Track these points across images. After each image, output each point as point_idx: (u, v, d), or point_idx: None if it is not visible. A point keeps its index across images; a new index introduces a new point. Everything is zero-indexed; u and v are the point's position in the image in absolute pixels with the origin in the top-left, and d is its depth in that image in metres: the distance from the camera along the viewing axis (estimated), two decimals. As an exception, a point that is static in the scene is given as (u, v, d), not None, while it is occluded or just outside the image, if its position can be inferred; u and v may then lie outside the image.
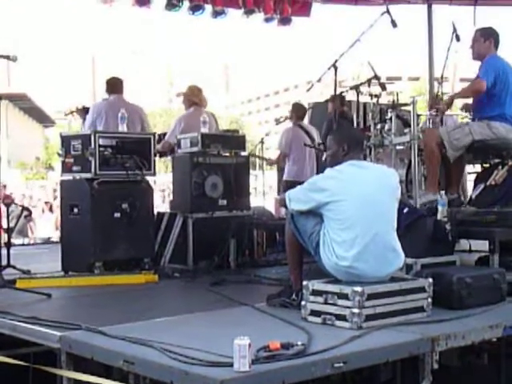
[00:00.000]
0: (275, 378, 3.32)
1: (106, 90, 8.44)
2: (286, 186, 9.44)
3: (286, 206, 4.87)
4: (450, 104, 6.79)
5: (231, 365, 3.24)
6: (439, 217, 5.53)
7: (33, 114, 45.21)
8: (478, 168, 7.52)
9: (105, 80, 8.57)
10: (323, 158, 8.75)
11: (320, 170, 9.26)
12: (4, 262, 6.02)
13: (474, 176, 7.27)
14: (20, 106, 41.13)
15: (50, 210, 18.47)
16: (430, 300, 4.50)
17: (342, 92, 7.89)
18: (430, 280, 4.54)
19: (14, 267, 6.30)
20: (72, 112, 8.85)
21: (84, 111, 8.58)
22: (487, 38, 6.53)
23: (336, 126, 7.16)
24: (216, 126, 8.67)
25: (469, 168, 7.64)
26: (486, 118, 6.41)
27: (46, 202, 19.29)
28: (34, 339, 4.39)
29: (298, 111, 10.14)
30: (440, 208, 5.57)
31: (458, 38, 7.14)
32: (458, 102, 7.45)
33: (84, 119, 8.53)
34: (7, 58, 5.65)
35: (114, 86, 8.40)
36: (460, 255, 5.77)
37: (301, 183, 4.91)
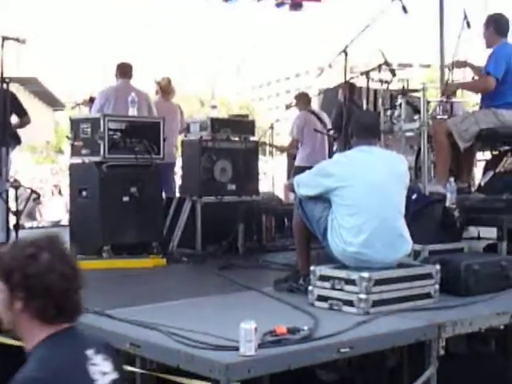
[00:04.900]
0: (281, 362, 3.32)
1: (116, 75, 8.45)
2: (297, 171, 9.43)
3: (294, 191, 4.87)
4: (454, 92, 6.77)
5: (237, 349, 3.24)
6: (448, 203, 5.51)
7: (43, 97, 45.16)
8: (487, 155, 7.49)
9: (115, 65, 8.58)
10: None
11: (331, 155, 9.28)
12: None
13: (483, 163, 7.25)
14: (30, 89, 41.10)
15: (60, 192, 18.51)
16: (437, 286, 4.49)
17: (351, 78, 7.85)
18: (438, 266, 4.53)
19: (22, 250, 6.31)
20: (78, 105, 8.89)
21: (90, 101, 8.60)
22: (488, 25, 6.43)
23: (346, 113, 7.13)
24: (181, 118, 8.95)
25: (478, 155, 7.60)
26: (493, 106, 6.36)
27: (54, 185, 19.31)
28: (41, 321, 4.41)
29: (303, 98, 10.15)
30: (449, 195, 5.55)
31: (468, 25, 7.09)
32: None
33: (90, 108, 8.54)
34: (16, 40, 5.68)
35: (124, 70, 8.41)
36: (468, 242, 5.76)
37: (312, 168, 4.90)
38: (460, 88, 6.89)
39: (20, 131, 7.91)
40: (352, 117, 5.22)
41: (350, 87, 8.81)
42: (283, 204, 8.45)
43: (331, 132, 9.34)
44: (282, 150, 10.95)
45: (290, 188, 5.09)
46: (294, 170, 10.02)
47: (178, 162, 8.81)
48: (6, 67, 5.73)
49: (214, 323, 3.91)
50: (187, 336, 3.49)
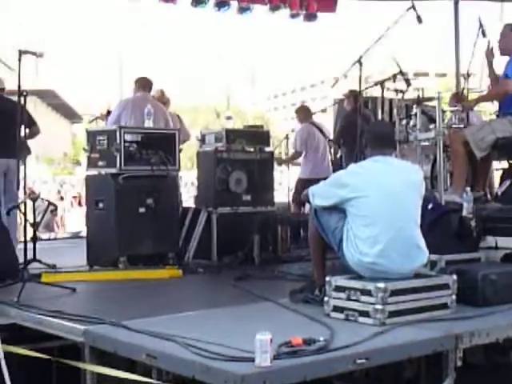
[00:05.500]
0: (296, 373, 3.31)
1: (134, 88, 8.48)
2: (300, 184, 9.44)
3: (309, 202, 4.87)
4: (473, 106, 6.77)
5: (252, 360, 3.24)
6: (464, 213, 5.48)
7: (60, 110, 45.48)
8: (504, 164, 7.45)
9: (133, 79, 8.61)
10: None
11: (334, 166, 9.39)
12: (30, 257, 6.06)
13: (500, 172, 7.22)
14: (48, 102, 41.39)
15: (79, 203, 18.58)
16: (454, 297, 4.47)
17: (366, 88, 7.83)
18: (455, 277, 4.51)
19: (39, 261, 6.33)
20: (96, 118, 8.94)
21: (107, 114, 8.64)
22: (506, 33, 6.43)
23: (353, 124, 7.11)
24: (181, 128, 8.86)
25: (495, 164, 7.57)
26: (509, 113, 6.34)
27: (74, 197, 19.41)
28: (58, 333, 4.43)
29: (303, 112, 10.25)
30: (465, 204, 5.52)
31: (484, 34, 7.08)
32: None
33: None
34: (34, 54, 5.72)
35: (143, 84, 8.44)
36: (486, 252, 5.73)
37: (315, 181, 4.90)
38: (479, 102, 6.87)
39: (38, 144, 7.94)
40: (355, 127, 5.21)
41: (354, 97, 8.83)
42: (298, 214, 8.44)
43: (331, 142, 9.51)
44: (281, 162, 10.73)
45: (305, 198, 5.07)
46: (296, 183, 10.02)
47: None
48: (24, 80, 5.76)
49: (230, 334, 3.91)
50: (203, 347, 3.49)
